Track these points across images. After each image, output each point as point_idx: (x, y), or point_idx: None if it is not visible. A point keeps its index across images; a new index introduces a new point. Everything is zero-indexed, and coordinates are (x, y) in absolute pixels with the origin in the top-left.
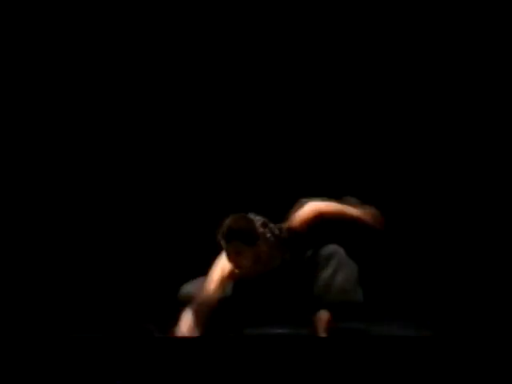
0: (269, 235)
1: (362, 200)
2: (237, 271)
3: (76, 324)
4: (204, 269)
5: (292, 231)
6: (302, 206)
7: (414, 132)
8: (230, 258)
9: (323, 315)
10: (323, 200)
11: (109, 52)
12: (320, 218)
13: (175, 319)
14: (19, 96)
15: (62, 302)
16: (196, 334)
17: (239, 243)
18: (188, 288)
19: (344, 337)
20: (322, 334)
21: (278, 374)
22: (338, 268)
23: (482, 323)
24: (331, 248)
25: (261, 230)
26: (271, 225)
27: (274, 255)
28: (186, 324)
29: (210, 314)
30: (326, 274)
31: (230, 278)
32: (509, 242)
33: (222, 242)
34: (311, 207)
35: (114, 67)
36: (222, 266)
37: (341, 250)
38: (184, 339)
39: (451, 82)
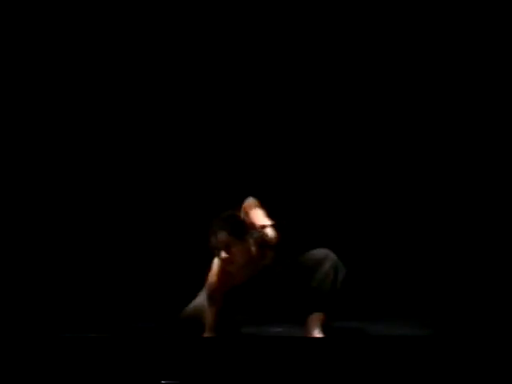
0: (256, 236)
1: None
2: (230, 269)
3: (77, 324)
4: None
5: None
6: (249, 208)
7: (412, 132)
8: (222, 255)
9: (317, 315)
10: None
11: (109, 52)
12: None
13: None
14: (19, 96)
15: (63, 302)
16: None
17: (228, 235)
18: (191, 305)
19: (343, 337)
20: (317, 334)
21: (277, 374)
22: (332, 267)
23: (482, 323)
24: (324, 251)
25: (249, 228)
26: (258, 226)
27: (264, 255)
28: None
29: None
30: (323, 268)
31: (224, 286)
32: (509, 242)
33: (213, 239)
34: (252, 205)
35: (114, 67)
36: (213, 277)
37: (332, 254)
38: (183, 339)
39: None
